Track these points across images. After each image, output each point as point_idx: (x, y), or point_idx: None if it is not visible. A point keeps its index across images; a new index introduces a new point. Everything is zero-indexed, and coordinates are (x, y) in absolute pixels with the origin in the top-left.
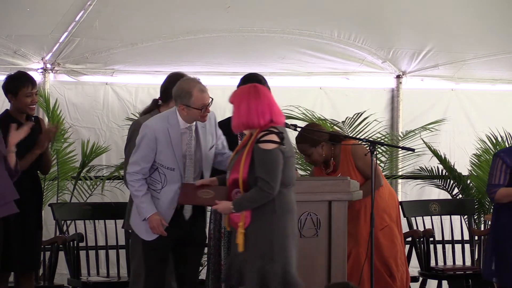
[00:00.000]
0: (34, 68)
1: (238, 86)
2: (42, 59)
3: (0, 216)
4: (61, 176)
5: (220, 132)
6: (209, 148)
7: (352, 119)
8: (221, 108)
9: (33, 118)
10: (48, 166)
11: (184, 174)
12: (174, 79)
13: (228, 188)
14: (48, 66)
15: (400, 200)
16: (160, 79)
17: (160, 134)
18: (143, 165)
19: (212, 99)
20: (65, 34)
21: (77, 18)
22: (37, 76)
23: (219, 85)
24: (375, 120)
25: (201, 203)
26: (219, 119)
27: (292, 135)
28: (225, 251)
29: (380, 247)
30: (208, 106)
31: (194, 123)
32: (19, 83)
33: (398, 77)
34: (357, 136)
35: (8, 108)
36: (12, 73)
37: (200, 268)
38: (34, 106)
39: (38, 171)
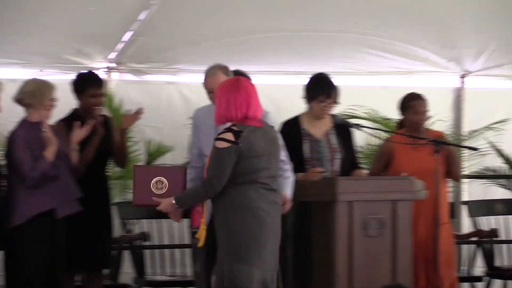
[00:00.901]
0: (98, 67)
1: (305, 86)
2: (106, 59)
3: (64, 215)
4: (126, 175)
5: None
6: None
7: None
8: (286, 107)
9: (101, 117)
10: (125, 158)
11: None
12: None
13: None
14: (112, 65)
15: (465, 199)
16: None
17: (201, 122)
18: (192, 151)
19: None
20: (129, 33)
21: (141, 18)
22: (101, 75)
23: (284, 84)
24: (439, 120)
25: (153, 204)
26: (284, 118)
27: (356, 134)
28: (291, 251)
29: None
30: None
31: None
32: (86, 83)
33: (462, 76)
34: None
35: (76, 106)
36: (82, 72)
37: None
38: (99, 107)
39: (113, 165)
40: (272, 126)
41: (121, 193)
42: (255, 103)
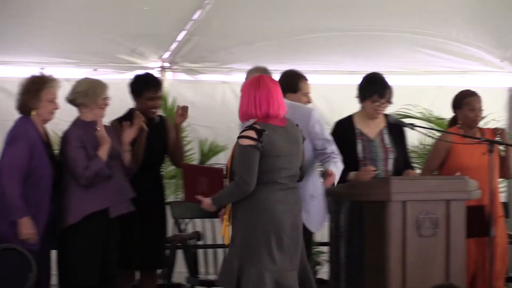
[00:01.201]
0: (152, 67)
1: (358, 85)
2: (160, 58)
3: (117, 214)
4: (179, 174)
5: (317, 131)
6: None
7: None
8: (340, 106)
9: (158, 117)
10: (181, 157)
11: None
12: (286, 75)
13: (221, 169)
14: (166, 65)
15: None
16: (277, 77)
17: None
18: None
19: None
20: (183, 33)
21: (195, 17)
22: (155, 75)
23: (338, 84)
24: (492, 119)
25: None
26: (337, 118)
27: (410, 134)
28: (344, 251)
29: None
30: None
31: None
32: (143, 86)
33: None
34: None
35: (132, 106)
36: (139, 74)
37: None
38: (156, 110)
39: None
40: (296, 125)
41: (174, 192)
42: (276, 101)
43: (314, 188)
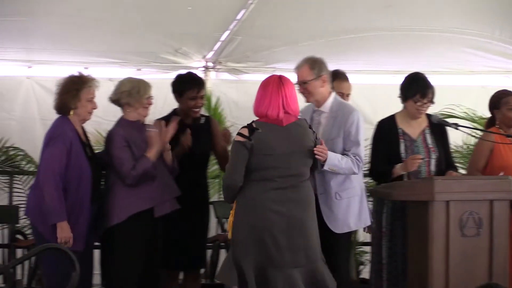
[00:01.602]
0: (195, 67)
1: (401, 85)
2: (203, 58)
3: (161, 214)
4: (222, 174)
5: (352, 132)
6: (328, 138)
7: None
8: (383, 106)
9: (204, 118)
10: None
11: None
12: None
13: None
14: (210, 64)
15: None
16: None
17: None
18: None
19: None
20: (227, 32)
21: (238, 17)
22: (198, 75)
23: (381, 83)
24: None
25: None
26: (381, 117)
27: (454, 134)
28: (386, 250)
29: None
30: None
31: (326, 109)
32: (185, 85)
33: None
34: None
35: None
36: (181, 74)
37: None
38: (198, 109)
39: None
40: (306, 127)
41: (218, 192)
42: (277, 102)
43: (343, 188)
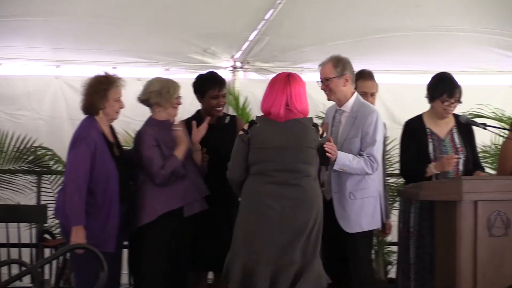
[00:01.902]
0: (223, 66)
1: (427, 85)
2: (231, 58)
3: (190, 214)
4: None
5: (369, 133)
6: (346, 138)
7: None
8: (411, 106)
9: (228, 117)
10: None
11: None
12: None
13: None
14: (238, 64)
15: None
16: None
17: (328, 119)
18: None
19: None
20: (255, 32)
21: (267, 17)
22: (226, 74)
23: (409, 83)
24: None
25: None
26: (409, 117)
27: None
28: (413, 250)
29: None
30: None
31: (347, 108)
32: (206, 84)
33: None
34: None
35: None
36: (203, 73)
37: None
38: (221, 108)
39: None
40: (309, 125)
41: None
42: (280, 101)
43: (358, 189)
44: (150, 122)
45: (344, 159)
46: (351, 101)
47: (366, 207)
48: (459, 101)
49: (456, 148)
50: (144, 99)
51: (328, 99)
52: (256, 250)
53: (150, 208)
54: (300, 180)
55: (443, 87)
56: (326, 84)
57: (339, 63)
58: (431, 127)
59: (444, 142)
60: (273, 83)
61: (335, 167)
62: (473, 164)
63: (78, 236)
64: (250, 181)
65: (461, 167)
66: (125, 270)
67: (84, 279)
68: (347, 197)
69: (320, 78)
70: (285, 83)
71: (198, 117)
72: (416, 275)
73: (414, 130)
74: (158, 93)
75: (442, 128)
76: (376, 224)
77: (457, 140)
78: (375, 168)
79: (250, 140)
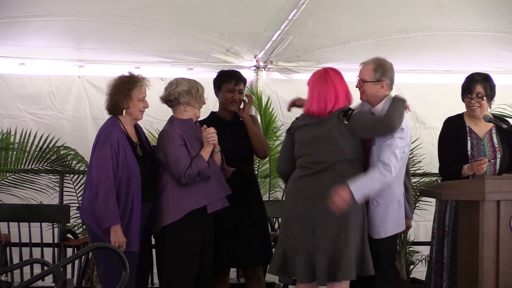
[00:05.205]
0: (246, 66)
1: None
2: (254, 57)
3: (215, 210)
4: (273, 173)
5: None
6: (376, 143)
7: None
8: (435, 105)
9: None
10: (260, 148)
11: None
12: None
13: None
14: (261, 64)
15: None
16: None
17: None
18: None
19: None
20: (278, 32)
21: (290, 17)
22: (249, 74)
23: (433, 83)
24: None
25: None
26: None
27: None
28: (448, 250)
29: None
30: None
31: (377, 111)
32: (223, 78)
33: None
34: None
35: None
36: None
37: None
38: (235, 103)
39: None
40: (334, 117)
41: (268, 191)
42: (316, 97)
43: (381, 194)
44: (174, 121)
45: (360, 188)
46: (381, 104)
47: (390, 212)
48: (480, 97)
49: (494, 147)
50: (172, 99)
51: (360, 99)
52: (292, 239)
53: (177, 207)
54: (324, 170)
55: (464, 86)
56: (361, 84)
57: (379, 69)
58: (471, 126)
59: (482, 141)
60: (309, 81)
61: (358, 202)
62: (509, 165)
63: (118, 235)
64: (293, 174)
65: (497, 167)
66: (155, 270)
67: (110, 278)
68: (370, 204)
69: (358, 76)
70: (319, 79)
71: (212, 118)
72: (449, 274)
73: (454, 127)
74: (188, 92)
75: (481, 128)
76: (401, 227)
77: (495, 140)
78: (389, 171)
79: (292, 136)
